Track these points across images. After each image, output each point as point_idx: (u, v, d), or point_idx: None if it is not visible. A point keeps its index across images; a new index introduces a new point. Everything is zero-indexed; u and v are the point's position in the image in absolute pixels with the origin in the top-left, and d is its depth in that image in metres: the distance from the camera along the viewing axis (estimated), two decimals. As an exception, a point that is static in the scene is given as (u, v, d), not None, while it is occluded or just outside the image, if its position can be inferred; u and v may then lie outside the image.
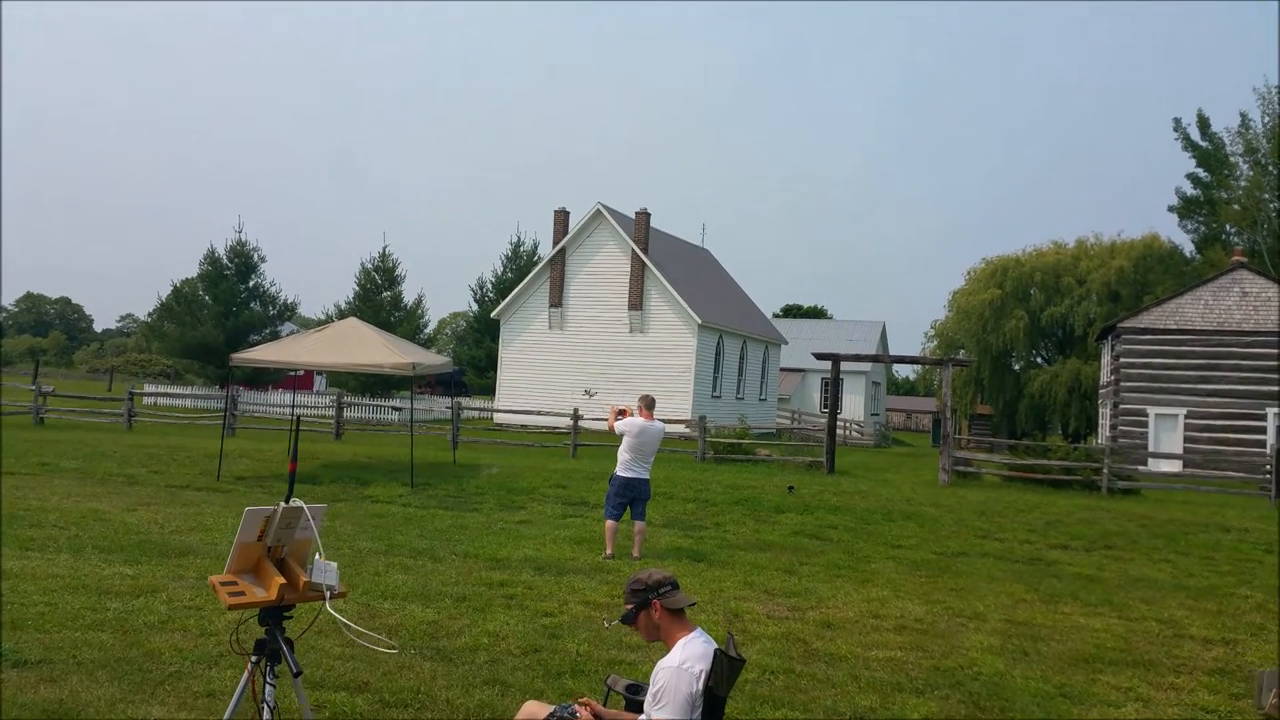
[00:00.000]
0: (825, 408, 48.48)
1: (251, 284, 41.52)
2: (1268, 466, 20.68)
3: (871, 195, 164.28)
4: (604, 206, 34.70)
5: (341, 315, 37.28)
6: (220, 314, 39.68)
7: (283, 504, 3.63)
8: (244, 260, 41.18)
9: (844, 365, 23.29)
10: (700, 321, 33.52)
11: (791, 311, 75.23)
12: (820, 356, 23.09)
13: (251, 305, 41.04)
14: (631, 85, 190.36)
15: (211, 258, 40.91)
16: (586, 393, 14.43)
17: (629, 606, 3.70)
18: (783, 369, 46.34)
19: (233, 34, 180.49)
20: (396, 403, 32.92)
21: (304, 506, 3.65)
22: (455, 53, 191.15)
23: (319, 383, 44.22)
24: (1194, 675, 7.01)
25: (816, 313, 77.28)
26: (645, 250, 34.05)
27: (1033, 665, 7.08)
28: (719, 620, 7.82)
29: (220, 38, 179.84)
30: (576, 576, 9.24)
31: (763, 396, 41.42)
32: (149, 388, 37.45)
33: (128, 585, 7.85)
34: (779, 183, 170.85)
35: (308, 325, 39.15)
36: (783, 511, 14.36)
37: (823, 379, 51.10)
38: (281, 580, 3.59)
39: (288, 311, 42.74)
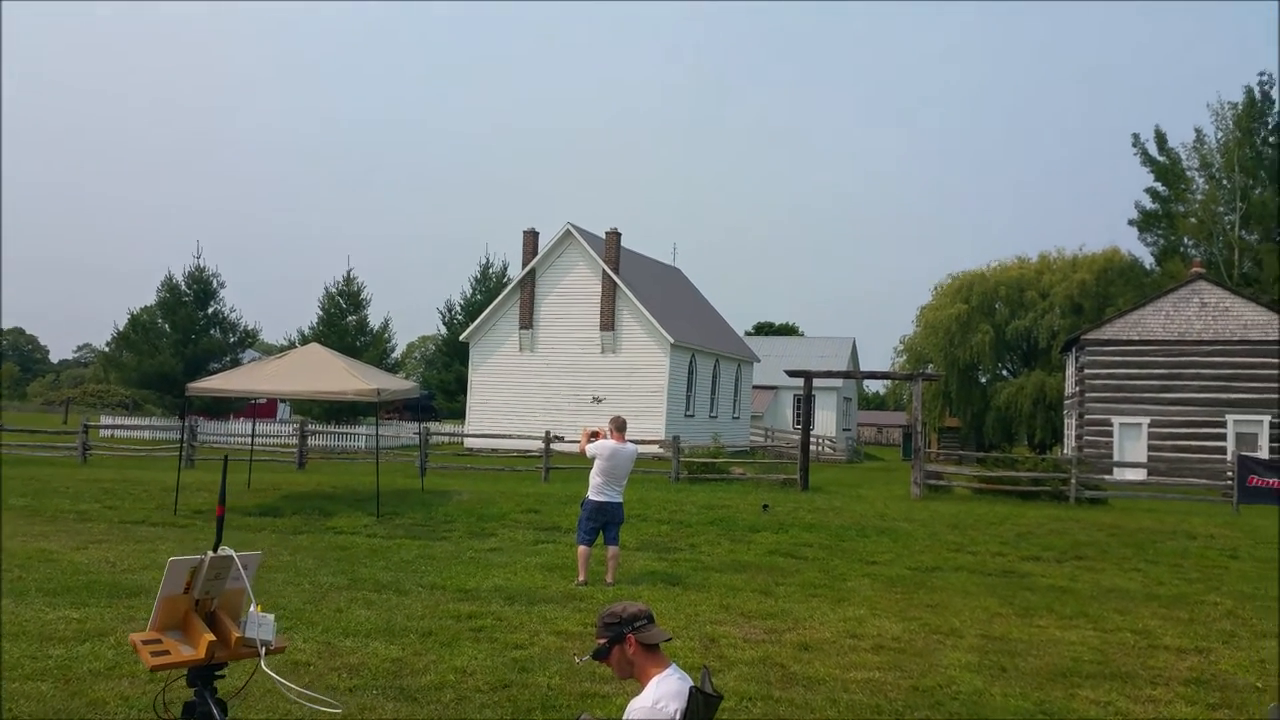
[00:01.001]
0: (798, 424, 48.53)
1: (211, 310, 40.85)
2: (1229, 473, 20.88)
3: (844, 213, 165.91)
4: (574, 226, 34.60)
5: (305, 341, 36.74)
6: (179, 342, 38.97)
7: (210, 553, 3.38)
8: (203, 286, 40.51)
9: (816, 381, 23.27)
10: (673, 341, 33.45)
11: (763, 329, 75.49)
12: (793, 374, 23.06)
13: (211, 332, 40.35)
14: (602, 100, 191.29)
15: (169, 284, 40.21)
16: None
17: (601, 641, 3.52)
18: (755, 386, 46.38)
19: (195, 44, 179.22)
20: (362, 430, 32.46)
21: (234, 555, 3.41)
22: (422, 74, 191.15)
23: (282, 410, 43.56)
24: (1170, 686, 6.95)
25: (788, 330, 77.60)
26: (616, 270, 33.96)
27: (1011, 682, 6.98)
28: (695, 646, 7.65)
29: (183, 46, 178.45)
30: (548, 606, 9.02)
31: (736, 415, 41.39)
32: (105, 419, 36.69)
33: (73, 629, 7.51)
34: (750, 201, 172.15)
35: (270, 352, 38.60)
36: (757, 531, 14.23)
37: (795, 395, 51.20)
38: (211, 637, 3.32)
39: (249, 338, 42.08)
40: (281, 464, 23.95)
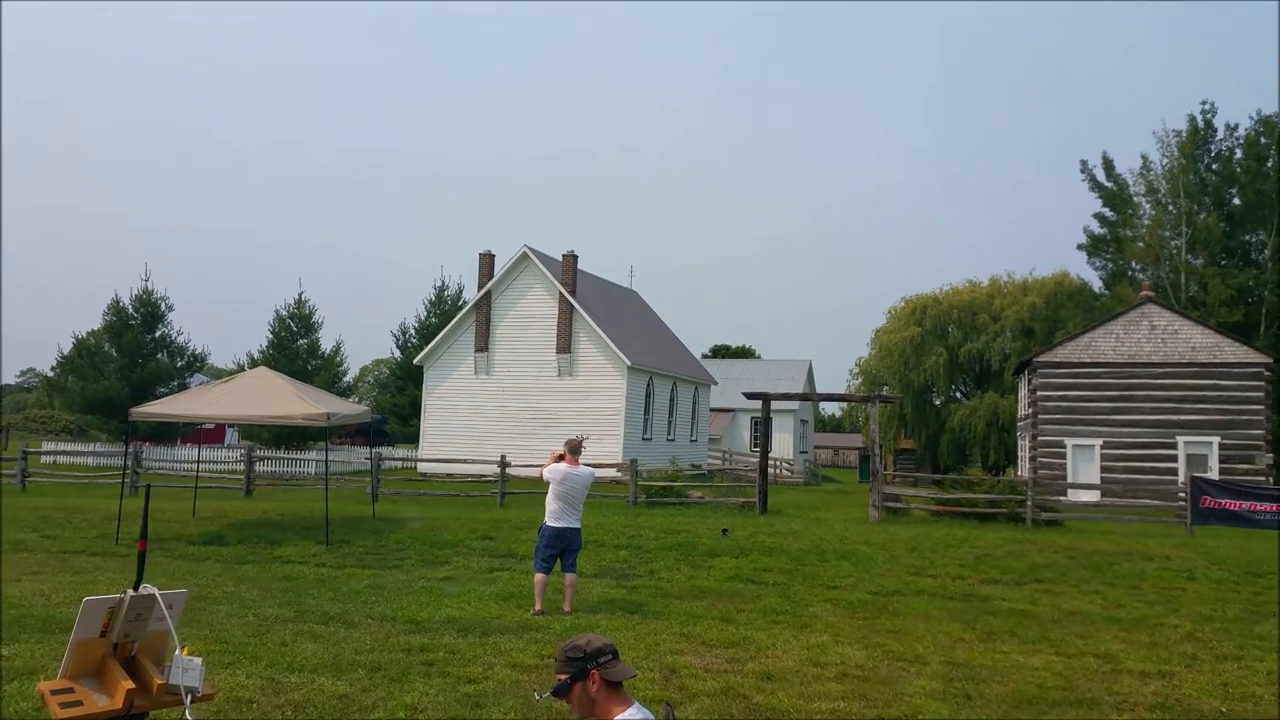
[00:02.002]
0: (756, 447, 48.56)
1: (158, 334, 39.94)
2: (1181, 494, 21.16)
3: (800, 236, 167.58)
4: (530, 249, 34.37)
5: (254, 364, 36.01)
6: (125, 366, 37.99)
7: (131, 591, 3.09)
8: (151, 309, 39.62)
9: (773, 404, 23.22)
10: (630, 363, 33.27)
11: (720, 352, 75.68)
12: (751, 396, 22.99)
13: (158, 356, 39.43)
14: (560, 125, 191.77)
15: (116, 308, 39.27)
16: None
17: (562, 677, 3.29)
18: (713, 409, 46.33)
19: (146, 61, 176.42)
20: (313, 455, 31.79)
21: (156, 594, 3.12)
22: (379, 100, 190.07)
23: (230, 436, 42.59)
24: (1136, 712, 6.88)
25: (745, 352, 77.86)
26: (573, 293, 33.76)
27: (977, 709, 6.86)
28: (655, 678, 7.42)
29: (136, 61, 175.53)
30: (503, 637, 8.74)
31: (694, 437, 41.27)
32: (47, 445, 35.54)
33: (-1, 668, 7.09)
34: (706, 225, 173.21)
35: (219, 376, 37.71)
36: (717, 555, 14.04)
37: (752, 418, 51.28)
38: (129, 684, 3.02)
39: (197, 362, 41.18)
40: (228, 490, 23.32)
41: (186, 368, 40.55)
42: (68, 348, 40.82)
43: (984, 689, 7.43)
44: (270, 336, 40.90)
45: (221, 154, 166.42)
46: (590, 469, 10.27)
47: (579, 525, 10.18)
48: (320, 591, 10.87)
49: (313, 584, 11.40)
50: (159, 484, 23.65)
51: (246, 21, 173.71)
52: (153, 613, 3.12)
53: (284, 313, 41.17)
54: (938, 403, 55.73)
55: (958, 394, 56.65)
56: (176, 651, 3.20)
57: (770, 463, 27.98)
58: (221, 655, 7.77)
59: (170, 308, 40.27)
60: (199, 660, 3.23)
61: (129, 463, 20.64)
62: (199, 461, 21.96)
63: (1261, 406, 30.49)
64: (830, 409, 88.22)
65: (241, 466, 24.83)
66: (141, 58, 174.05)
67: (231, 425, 41.44)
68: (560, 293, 33.63)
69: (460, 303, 45.91)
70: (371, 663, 7.61)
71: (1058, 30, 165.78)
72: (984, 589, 12.38)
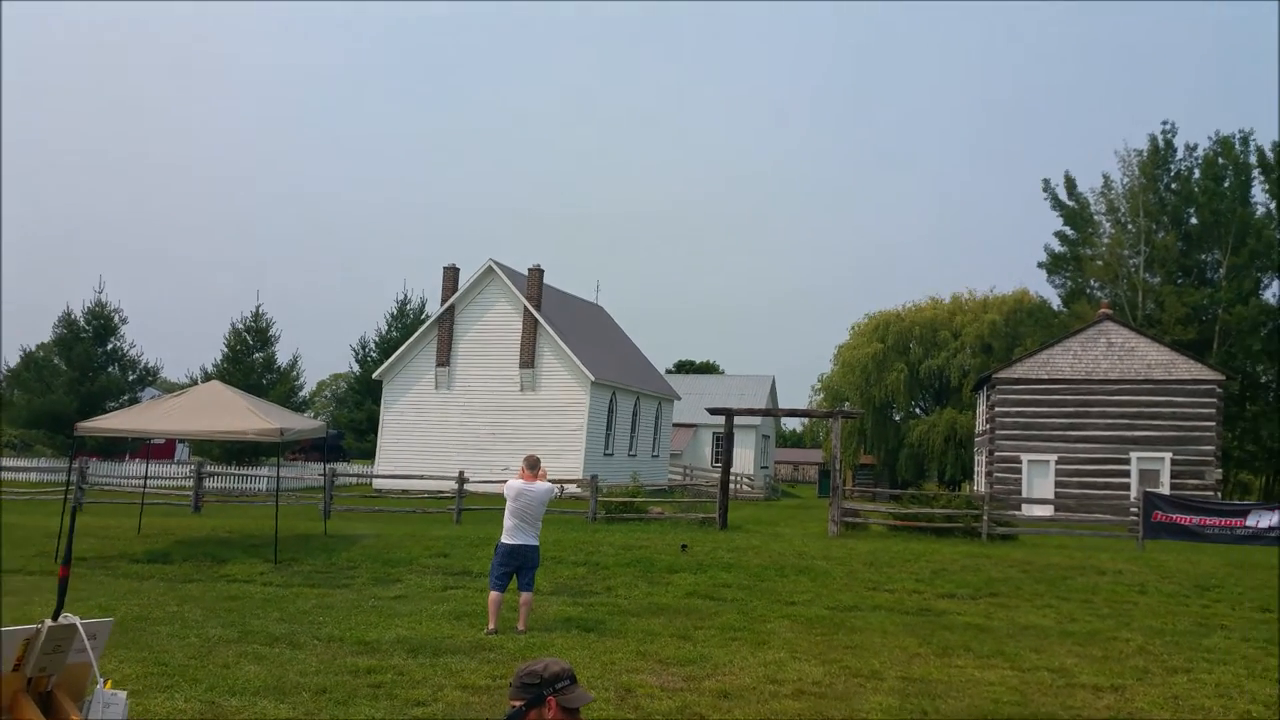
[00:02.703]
0: (717, 462, 48.56)
1: (110, 347, 39.10)
2: (1134, 509, 21.45)
3: (762, 250, 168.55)
4: (496, 263, 34.17)
5: (208, 379, 35.34)
6: (75, 380, 37.13)
7: (49, 620, 2.88)
8: (103, 322, 38.80)
9: (736, 419, 23.21)
10: (593, 379, 33.13)
11: (684, 367, 75.75)
12: (714, 411, 22.96)
13: (109, 370, 38.59)
14: (524, 141, 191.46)
15: (67, 320, 38.41)
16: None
17: (517, 704, 3.14)
18: (675, 424, 46.28)
19: (100, 64, 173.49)
20: (264, 471, 31.22)
21: (78, 624, 2.91)
22: (334, 108, 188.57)
23: (181, 451, 41.76)
24: (1091, 728, 6.86)
25: (708, 368, 77.95)
26: (538, 307, 33.60)
27: (933, 727, 6.80)
28: (610, 698, 7.29)
29: (89, 65, 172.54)
30: (455, 657, 8.55)
31: (655, 453, 41.17)
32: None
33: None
34: (669, 240, 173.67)
35: (172, 389, 37.00)
36: (676, 571, 13.92)
37: (714, 433, 51.28)
38: (44, 724, 2.81)
39: (149, 376, 40.37)
40: (176, 507, 22.78)
41: (138, 381, 39.74)
42: (14, 361, 39.90)
43: (940, 705, 7.39)
44: (225, 350, 40.22)
45: (174, 157, 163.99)
46: (547, 485, 10.12)
47: (536, 542, 10.01)
48: (266, 611, 10.59)
49: (259, 603, 11.10)
50: (105, 500, 23.06)
51: (195, 9, 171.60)
52: (73, 644, 2.91)
53: (240, 325, 40.52)
54: (898, 418, 56.25)
55: (917, 410, 57.22)
56: (99, 685, 2.99)
57: (731, 478, 27.98)
58: (160, 678, 7.51)
59: (124, 320, 39.54)
60: (123, 695, 3.03)
61: (73, 478, 20.05)
62: (145, 477, 21.43)
63: (1213, 423, 31.07)
64: (792, 424, 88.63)
65: (190, 482, 24.28)
66: (84, 55, 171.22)
67: (182, 440, 40.66)
68: (525, 307, 33.46)
69: (423, 317, 45.53)
70: (317, 685, 7.39)
71: (1028, 44, 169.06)
72: (940, 603, 12.39)
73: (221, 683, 7.38)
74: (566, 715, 3.10)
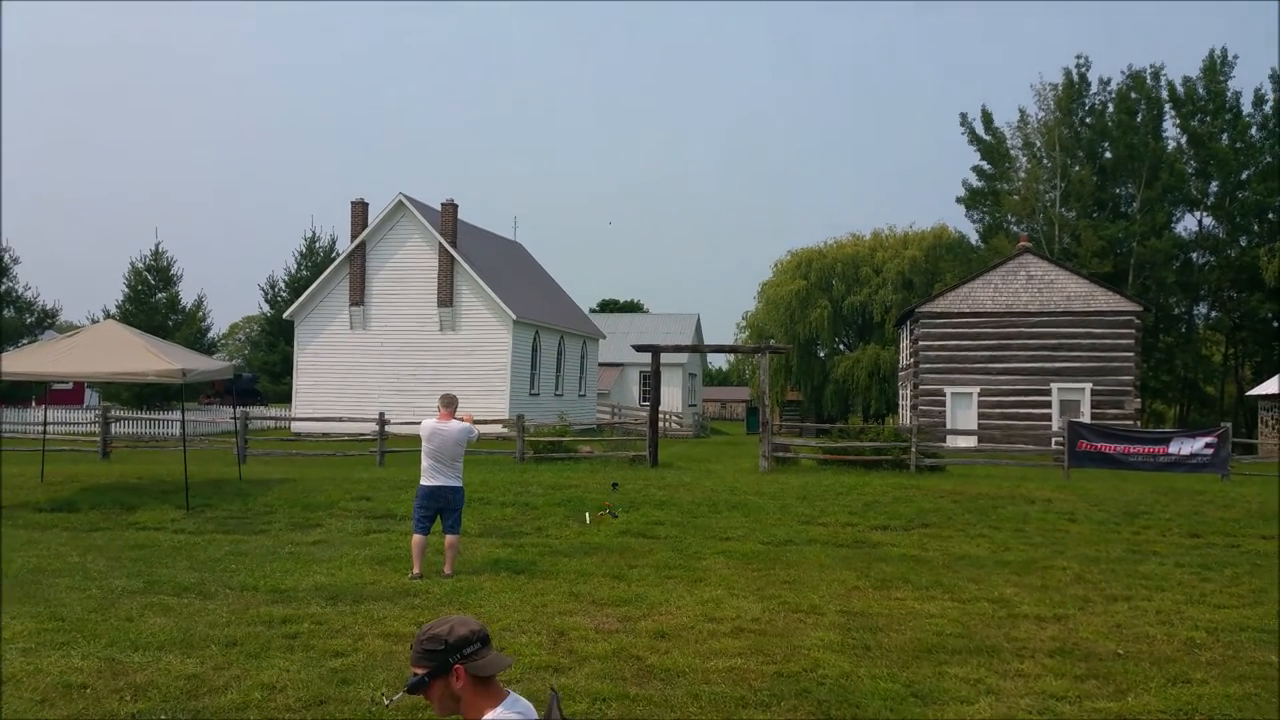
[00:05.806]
0: (645, 401, 48.46)
1: (3, 288, 36.84)
2: (1058, 439, 21.89)
3: (685, 191, 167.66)
4: (406, 197, 32.90)
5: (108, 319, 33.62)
6: (-36, 323, 34.97)
7: None
8: (-10, 263, 36.52)
9: (662, 358, 22.88)
10: (515, 317, 32.41)
11: (608, 306, 75.15)
12: (640, 348, 22.59)
13: (3, 312, 36.40)
14: (443, 73, 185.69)
15: (-45, 262, 36.04)
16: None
17: (419, 672, 2.65)
18: (601, 364, 45.90)
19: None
20: (176, 415, 29.93)
21: None
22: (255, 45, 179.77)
23: (90, 396, 39.88)
24: (1036, 659, 6.77)
25: (633, 307, 77.49)
26: (454, 244, 32.56)
27: (877, 662, 6.63)
28: (542, 642, 6.93)
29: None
30: (377, 604, 8.09)
31: (582, 393, 40.78)
32: None
33: None
34: (591, 178, 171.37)
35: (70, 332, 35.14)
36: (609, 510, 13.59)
37: (641, 372, 51.12)
38: None
39: (47, 318, 38.28)
40: (83, 454, 21.61)
41: (36, 324, 37.65)
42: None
43: (882, 638, 7.23)
44: (126, 290, 38.24)
45: (74, 92, 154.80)
46: (462, 423, 9.54)
47: (459, 484, 9.53)
48: (176, 560, 9.95)
49: (168, 552, 10.44)
50: (8, 448, 21.74)
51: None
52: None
53: (140, 265, 38.50)
54: (822, 355, 56.81)
55: (841, 346, 57.85)
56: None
57: (660, 416, 27.77)
58: (55, 634, 6.93)
59: (15, 260, 37.29)
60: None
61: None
62: (45, 423, 20.21)
63: (1131, 353, 31.94)
64: (717, 363, 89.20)
65: (97, 428, 23.05)
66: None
67: (91, 385, 38.81)
68: (440, 243, 32.40)
69: (333, 254, 43.90)
70: (227, 637, 6.89)
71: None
72: (874, 535, 12.35)
73: (123, 637, 6.86)
74: (477, 683, 2.63)
